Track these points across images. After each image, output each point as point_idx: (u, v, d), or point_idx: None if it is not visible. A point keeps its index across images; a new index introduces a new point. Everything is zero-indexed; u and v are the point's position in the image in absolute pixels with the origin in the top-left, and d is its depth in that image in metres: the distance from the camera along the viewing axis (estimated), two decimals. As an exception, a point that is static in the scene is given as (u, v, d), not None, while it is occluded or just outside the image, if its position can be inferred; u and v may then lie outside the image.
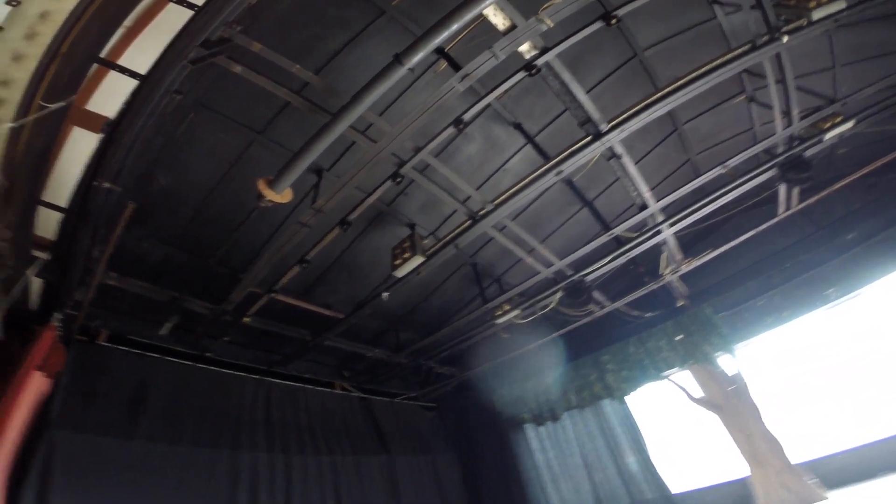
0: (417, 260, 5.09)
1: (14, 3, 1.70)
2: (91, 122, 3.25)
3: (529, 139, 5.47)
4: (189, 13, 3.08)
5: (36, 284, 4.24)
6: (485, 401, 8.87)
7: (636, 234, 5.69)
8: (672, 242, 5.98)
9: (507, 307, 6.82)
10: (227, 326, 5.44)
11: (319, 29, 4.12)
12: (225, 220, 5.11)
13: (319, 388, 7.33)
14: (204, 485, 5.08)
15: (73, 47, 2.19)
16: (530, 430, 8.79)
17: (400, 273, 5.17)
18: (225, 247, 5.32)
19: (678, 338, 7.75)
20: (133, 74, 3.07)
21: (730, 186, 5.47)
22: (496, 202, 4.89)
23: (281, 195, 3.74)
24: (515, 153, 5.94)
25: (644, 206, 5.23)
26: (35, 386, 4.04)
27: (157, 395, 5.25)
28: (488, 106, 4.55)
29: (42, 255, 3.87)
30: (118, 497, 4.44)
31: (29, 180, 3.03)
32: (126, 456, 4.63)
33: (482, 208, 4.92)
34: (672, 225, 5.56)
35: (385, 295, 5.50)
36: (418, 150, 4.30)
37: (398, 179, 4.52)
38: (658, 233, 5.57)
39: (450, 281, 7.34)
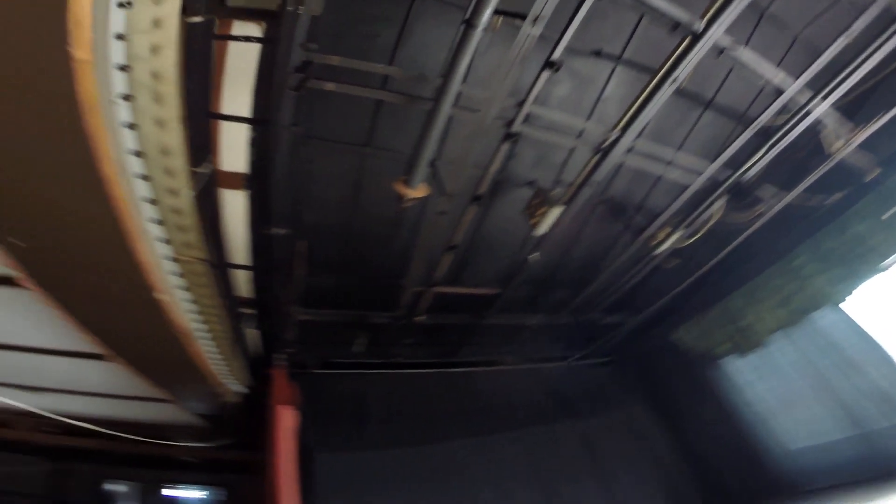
0: (557, 210, 4.55)
1: (126, 4, 1.61)
2: (227, 180, 3.37)
3: (618, 60, 4.74)
4: (255, 47, 2.99)
5: (255, 335, 4.73)
6: (667, 342, 7.56)
7: (785, 120, 4.60)
8: (832, 117, 4.70)
9: (664, 233, 5.79)
10: (405, 330, 5.52)
11: (367, 29, 3.87)
12: (369, 234, 5.15)
13: (492, 368, 7.09)
14: (431, 478, 5.16)
15: (189, 107, 2.13)
16: (732, 364, 7.18)
17: (542, 229, 4.64)
18: (379, 258, 5.36)
19: (885, 216, 5.63)
20: (250, 121, 3.08)
21: (876, 44, 4.13)
22: (621, 127, 4.20)
23: (419, 190, 3.61)
24: (608, 79, 5.07)
25: (780, 91, 4.32)
26: (286, 420, 4.42)
27: (374, 407, 5.55)
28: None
29: (248, 311, 4.26)
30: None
31: (216, 247, 3.25)
32: (369, 465, 4.90)
33: (606, 139, 4.29)
34: (823, 99, 4.47)
35: (534, 256, 5.02)
36: (521, 104, 3.91)
37: (513, 138, 4.13)
38: (808, 113, 4.49)
39: (587, 228, 6.51)
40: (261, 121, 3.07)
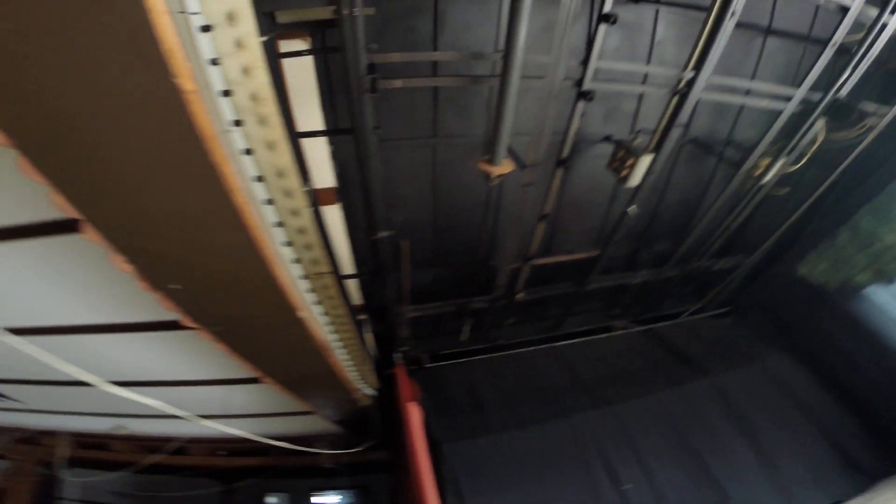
0: (647, 159, 4.16)
1: (208, 28, 1.54)
2: (321, 196, 3.36)
3: (657, 2, 4.35)
4: (306, 64, 2.92)
5: (370, 339, 4.82)
6: (793, 279, 6.52)
7: (862, 36, 4.17)
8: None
9: (764, 163, 5.05)
10: (506, 310, 5.34)
11: (406, 23, 3.72)
12: (457, 221, 5.06)
13: (601, 336, 6.62)
14: (559, 452, 4.91)
15: (286, 127, 2.07)
16: (878, 294, 5.95)
17: (634, 181, 4.25)
18: (470, 243, 5.24)
19: None
20: (334, 132, 3.05)
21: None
22: (692, 66, 3.86)
23: (504, 166, 3.43)
24: (656, 23, 4.62)
25: (845, 7, 3.95)
26: (414, 415, 4.50)
27: (488, 392, 5.42)
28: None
29: (362, 317, 4.33)
30: (509, 486, 4.58)
31: (332, 261, 3.28)
32: (495, 448, 4.78)
33: (681, 79, 3.96)
34: (892, 13, 4.02)
35: (633, 209, 4.59)
36: (585, 61, 3.73)
37: (588, 96, 3.86)
38: (884, 26, 4.05)
39: (675, 173, 5.88)
40: (345, 130, 3.04)
